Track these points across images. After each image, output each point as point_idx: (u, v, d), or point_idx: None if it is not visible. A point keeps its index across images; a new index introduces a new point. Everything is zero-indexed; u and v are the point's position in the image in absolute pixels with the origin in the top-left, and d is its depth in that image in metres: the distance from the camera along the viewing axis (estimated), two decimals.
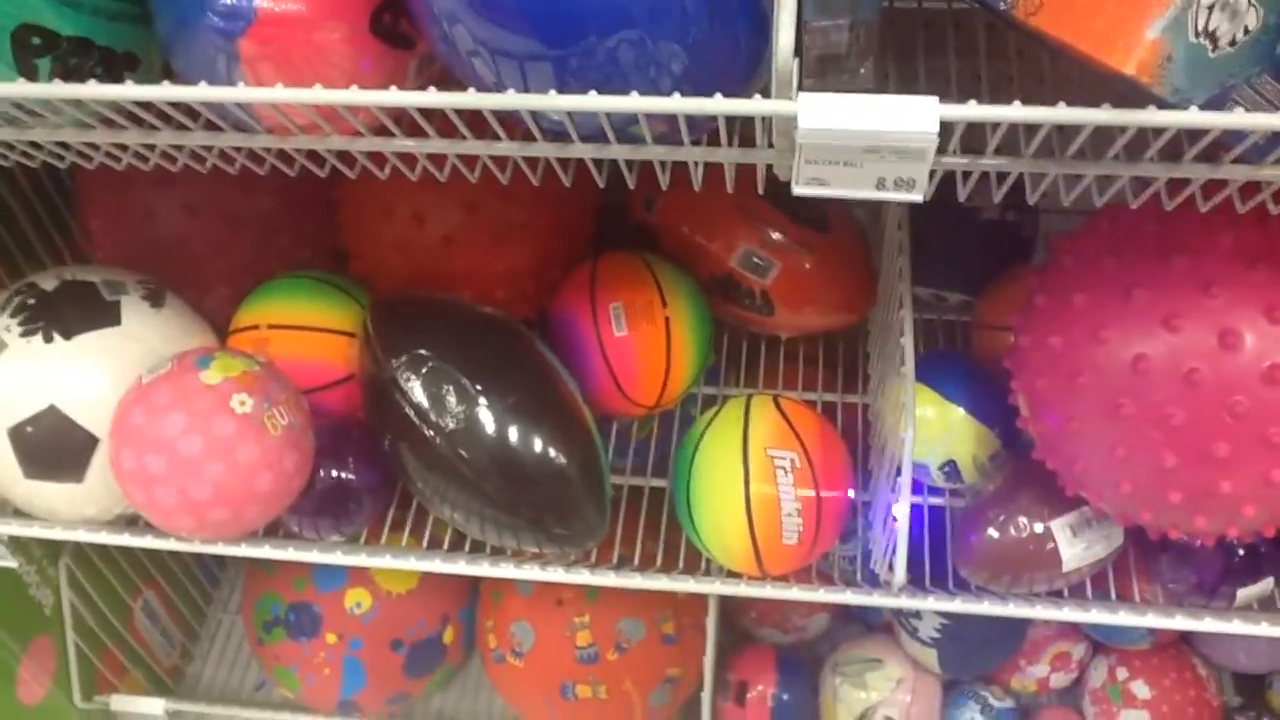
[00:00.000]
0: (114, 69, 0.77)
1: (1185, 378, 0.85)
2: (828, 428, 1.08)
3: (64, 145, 0.85)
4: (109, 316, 1.07)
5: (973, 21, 0.94)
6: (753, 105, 0.65)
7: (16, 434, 1.02)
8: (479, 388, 1.03)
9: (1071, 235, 0.96)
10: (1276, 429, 0.84)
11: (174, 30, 0.72)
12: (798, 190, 0.68)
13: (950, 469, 1.10)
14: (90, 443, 1.03)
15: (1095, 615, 1.02)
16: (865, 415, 1.23)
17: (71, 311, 1.06)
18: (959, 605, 1.03)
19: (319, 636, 1.31)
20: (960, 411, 1.09)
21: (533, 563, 1.13)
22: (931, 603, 1.03)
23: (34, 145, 0.85)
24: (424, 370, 1.05)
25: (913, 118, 0.63)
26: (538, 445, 1.03)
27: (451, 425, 1.03)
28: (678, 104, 0.66)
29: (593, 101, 0.66)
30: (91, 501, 1.07)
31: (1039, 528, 1.02)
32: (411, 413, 1.04)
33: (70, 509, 1.09)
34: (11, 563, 1.12)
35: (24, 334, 1.03)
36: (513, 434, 1.02)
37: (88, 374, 1.03)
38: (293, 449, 1.01)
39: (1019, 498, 1.03)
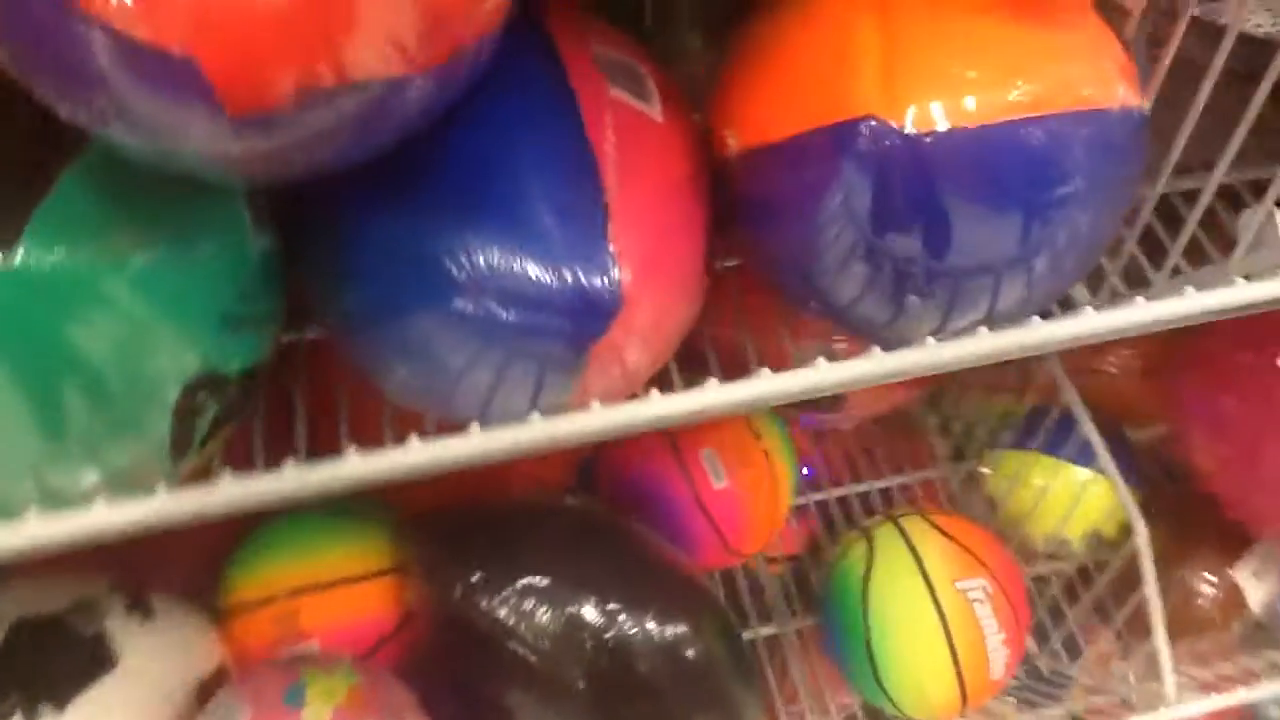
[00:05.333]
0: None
1: None
2: (986, 534, 0.96)
3: None
4: (100, 658, 0.77)
5: None
6: None
7: None
8: (612, 605, 0.84)
9: None
10: None
11: (432, 348, 0.48)
12: None
13: (1093, 538, 1.01)
14: None
15: None
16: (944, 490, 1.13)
17: (48, 669, 0.75)
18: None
19: None
20: (1086, 472, 1.00)
21: None
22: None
23: None
24: (541, 603, 0.84)
25: None
26: (693, 645, 0.86)
27: (602, 661, 0.83)
28: None
29: None
30: None
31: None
32: (535, 658, 0.83)
33: None
34: None
35: None
36: (664, 642, 0.84)
37: None
38: None
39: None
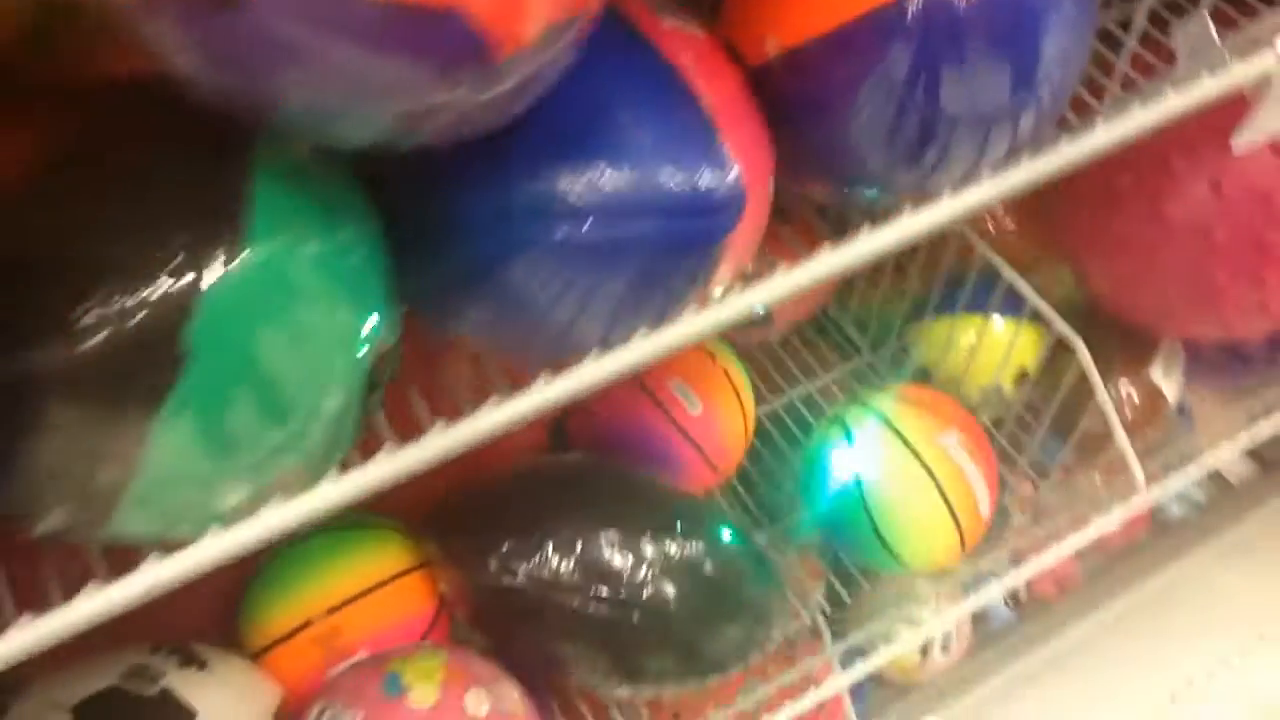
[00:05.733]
0: None
1: None
2: (938, 394, 1.05)
3: None
4: (176, 715, 0.75)
5: None
6: None
7: None
8: (637, 539, 0.88)
9: None
10: None
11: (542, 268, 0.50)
12: None
13: (1022, 378, 1.11)
14: None
15: None
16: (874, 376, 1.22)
17: None
18: None
19: None
20: (1010, 321, 1.09)
21: None
22: None
23: None
24: (574, 553, 0.87)
25: None
26: (718, 557, 0.91)
27: (644, 592, 0.87)
28: None
29: None
30: None
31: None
32: (583, 604, 0.86)
33: None
34: None
35: None
36: (694, 560, 0.89)
37: None
38: (529, 714, 0.80)
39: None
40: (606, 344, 0.56)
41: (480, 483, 0.94)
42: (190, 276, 0.40)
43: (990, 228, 1.17)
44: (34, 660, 0.76)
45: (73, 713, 0.74)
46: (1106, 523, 0.98)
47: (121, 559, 0.54)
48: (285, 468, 0.48)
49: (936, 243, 1.09)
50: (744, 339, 1.15)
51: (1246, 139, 0.71)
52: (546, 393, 0.56)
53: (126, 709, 0.75)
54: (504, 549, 0.87)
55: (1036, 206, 1.12)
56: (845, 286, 1.22)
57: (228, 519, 0.49)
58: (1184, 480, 1.00)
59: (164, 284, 0.40)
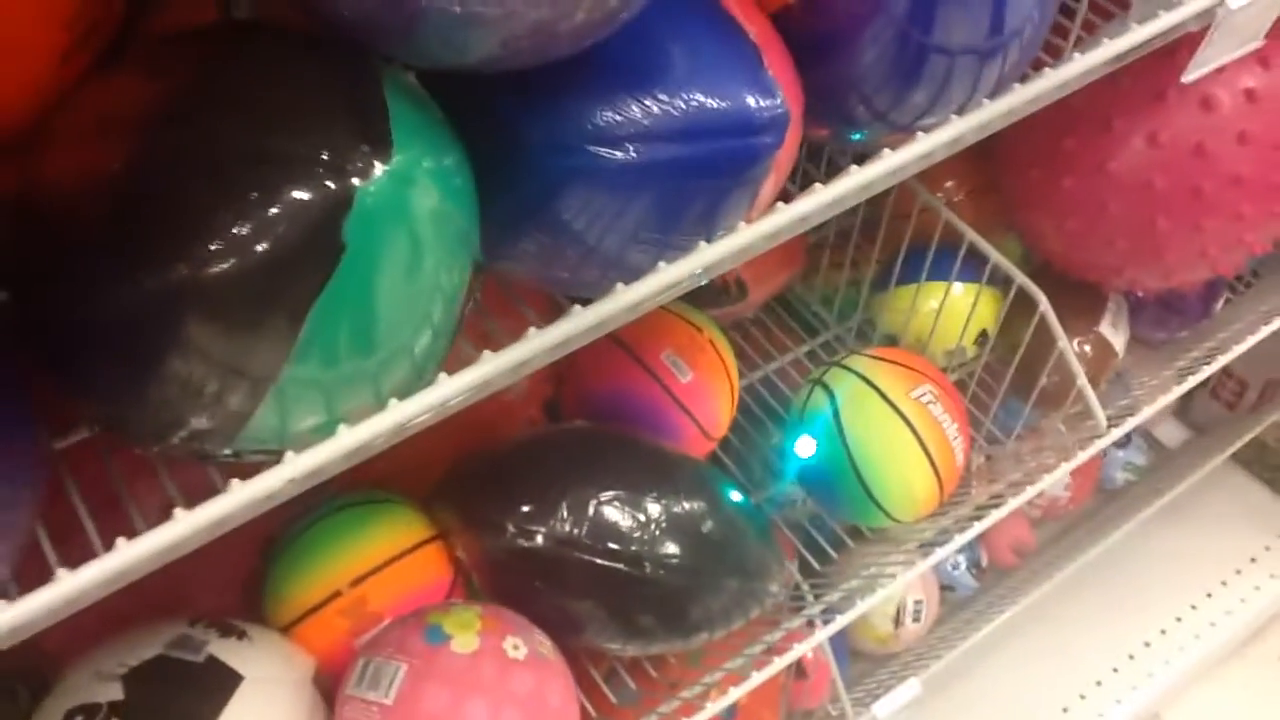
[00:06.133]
0: None
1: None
2: (910, 353, 1.11)
3: None
4: (225, 676, 0.78)
5: None
6: None
7: None
8: (645, 496, 0.92)
9: None
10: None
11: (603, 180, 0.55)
12: None
13: (983, 338, 1.19)
14: None
15: None
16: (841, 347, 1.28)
17: (181, 700, 0.76)
18: None
19: None
20: (970, 286, 1.16)
21: None
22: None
23: None
24: (589, 510, 0.91)
25: None
26: (720, 509, 0.96)
27: (656, 546, 0.91)
28: None
29: None
30: None
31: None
32: (602, 559, 0.90)
33: None
34: None
35: None
36: (697, 515, 0.93)
37: None
38: (560, 659, 0.84)
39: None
40: (670, 259, 0.60)
41: (486, 454, 0.98)
42: (349, 170, 0.44)
43: (938, 197, 1.24)
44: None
45: (123, 681, 0.76)
46: (1071, 466, 1.06)
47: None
48: (395, 375, 0.52)
49: (896, 218, 1.16)
50: (720, 316, 1.21)
51: (1196, 71, 0.79)
52: (621, 299, 0.60)
53: (176, 675, 0.77)
54: (521, 512, 0.90)
55: (986, 182, 1.21)
56: (810, 269, 1.29)
57: (352, 419, 0.53)
58: (1138, 420, 1.08)
59: (329, 174, 0.43)
